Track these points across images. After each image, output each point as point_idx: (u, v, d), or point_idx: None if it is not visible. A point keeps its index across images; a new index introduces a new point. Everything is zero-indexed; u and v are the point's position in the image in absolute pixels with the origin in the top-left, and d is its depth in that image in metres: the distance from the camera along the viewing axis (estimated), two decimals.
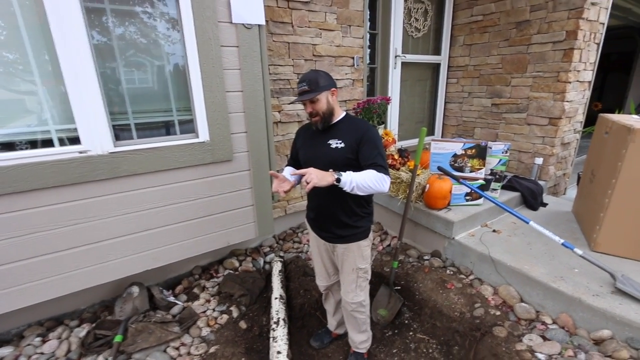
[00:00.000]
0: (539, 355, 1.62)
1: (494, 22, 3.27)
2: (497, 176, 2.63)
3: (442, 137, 4.06)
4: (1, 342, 1.94)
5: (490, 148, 2.55)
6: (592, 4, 2.73)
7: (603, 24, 2.99)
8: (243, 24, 2.00)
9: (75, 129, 1.70)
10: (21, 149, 1.63)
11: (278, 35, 2.53)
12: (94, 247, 1.87)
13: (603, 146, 2.29)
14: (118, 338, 1.79)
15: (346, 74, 2.99)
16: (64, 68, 1.59)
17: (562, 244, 1.93)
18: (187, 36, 1.85)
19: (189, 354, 1.82)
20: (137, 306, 2.08)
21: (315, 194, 1.64)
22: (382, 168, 1.42)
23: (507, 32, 3.19)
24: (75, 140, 1.72)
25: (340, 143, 1.49)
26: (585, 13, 2.70)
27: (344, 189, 1.34)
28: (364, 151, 1.45)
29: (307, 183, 1.25)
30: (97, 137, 1.74)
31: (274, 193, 1.65)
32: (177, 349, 1.83)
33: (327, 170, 1.39)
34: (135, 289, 2.16)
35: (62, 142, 1.71)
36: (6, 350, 1.82)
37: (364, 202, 1.60)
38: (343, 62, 2.95)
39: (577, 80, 2.96)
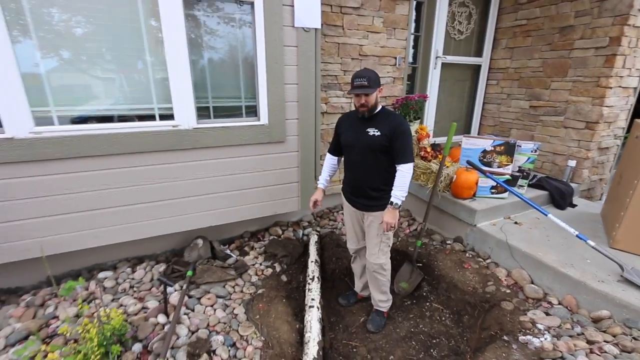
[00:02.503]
0: (539, 326, 1.84)
1: (537, 26, 3.36)
2: (525, 173, 2.79)
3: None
4: (102, 269, 2.54)
5: (520, 146, 2.72)
6: None
7: None
8: (303, 27, 2.40)
9: (171, 108, 2.21)
10: (133, 121, 2.17)
11: (330, 37, 2.90)
12: (175, 202, 2.38)
13: (634, 150, 2.37)
14: (189, 273, 2.30)
15: (388, 72, 3.29)
16: (168, 62, 2.09)
17: (577, 236, 2.11)
18: (258, 37, 2.28)
19: (242, 291, 2.28)
20: (201, 254, 2.59)
21: (350, 170, 2.03)
22: (408, 158, 1.83)
23: (550, 36, 3.27)
24: (170, 117, 2.23)
25: (377, 132, 1.84)
26: (632, 20, 2.74)
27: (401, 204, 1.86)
28: (397, 143, 1.83)
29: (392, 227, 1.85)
30: (186, 115, 2.23)
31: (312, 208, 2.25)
32: (233, 287, 2.30)
33: (365, 150, 1.87)
34: (200, 241, 2.67)
35: (161, 117, 2.23)
36: (108, 273, 2.41)
37: (387, 182, 1.91)
38: (386, 62, 3.25)
39: (620, 86, 2.99)
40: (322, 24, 2.80)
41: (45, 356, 1.61)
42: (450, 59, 3.64)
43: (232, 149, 2.45)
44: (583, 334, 1.74)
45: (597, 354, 1.60)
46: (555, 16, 3.21)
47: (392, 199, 1.83)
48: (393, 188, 1.85)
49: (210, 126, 2.33)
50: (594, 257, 2.12)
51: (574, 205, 3.01)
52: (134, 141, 2.13)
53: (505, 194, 2.75)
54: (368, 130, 1.86)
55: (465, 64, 3.85)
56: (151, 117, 2.22)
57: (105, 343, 1.58)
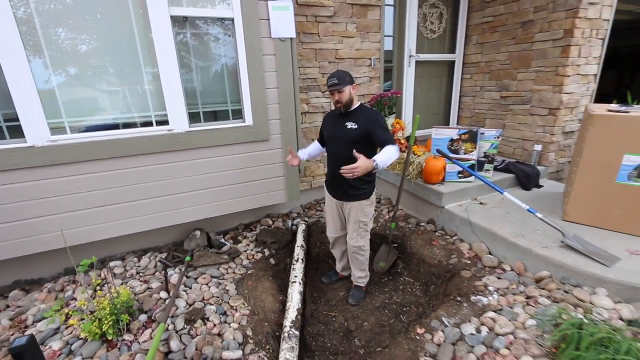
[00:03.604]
0: (490, 288, 2.10)
1: (502, 22, 3.62)
2: (490, 158, 3.04)
3: None
4: (112, 259, 2.86)
5: (483, 133, 2.98)
6: (590, 3, 3.00)
7: (607, 20, 3.20)
8: (279, 37, 2.70)
9: (166, 115, 2.53)
10: (134, 127, 2.50)
11: (307, 44, 3.20)
12: (173, 197, 2.69)
13: (581, 131, 2.61)
14: (188, 258, 2.61)
15: (364, 72, 3.57)
16: (162, 75, 2.41)
17: (528, 210, 2.36)
18: (240, 48, 2.59)
19: (234, 272, 2.58)
20: (199, 243, 2.90)
21: (331, 163, 2.29)
22: (392, 141, 1.96)
23: (514, 31, 3.52)
24: (165, 122, 2.55)
25: (354, 125, 2.08)
26: (582, 12, 2.98)
27: (379, 169, 1.85)
28: (376, 132, 2.00)
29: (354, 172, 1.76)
30: (179, 120, 2.55)
31: (288, 163, 2.36)
32: (226, 269, 2.61)
33: (344, 142, 2.08)
34: (198, 232, 2.99)
35: (157, 123, 2.55)
36: (118, 262, 2.74)
37: (367, 173, 1.90)
38: (361, 63, 3.54)
39: (578, 74, 3.23)
40: (298, 33, 3.11)
41: (68, 324, 1.94)
42: (424, 56, 3.91)
43: (222, 148, 2.76)
44: (524, 291, 2.00)
45: (532, 305, 1.86)
46: (517, 12, 3.46)
47: (374, 157, 1.84)
48: (379, 153, 1.90)
49: (201, 129, 2.64)
50: (545, 228, 2.36)
51: (540, 186, 3.25)
52: (135, 145, 2.45)
53: (471, 178, 3.01)
54: (346, 124, 2.09)
55: (440, 61, 4.11)
56: (149, 124, 2.54)
57: (115, 312, 1.90)
